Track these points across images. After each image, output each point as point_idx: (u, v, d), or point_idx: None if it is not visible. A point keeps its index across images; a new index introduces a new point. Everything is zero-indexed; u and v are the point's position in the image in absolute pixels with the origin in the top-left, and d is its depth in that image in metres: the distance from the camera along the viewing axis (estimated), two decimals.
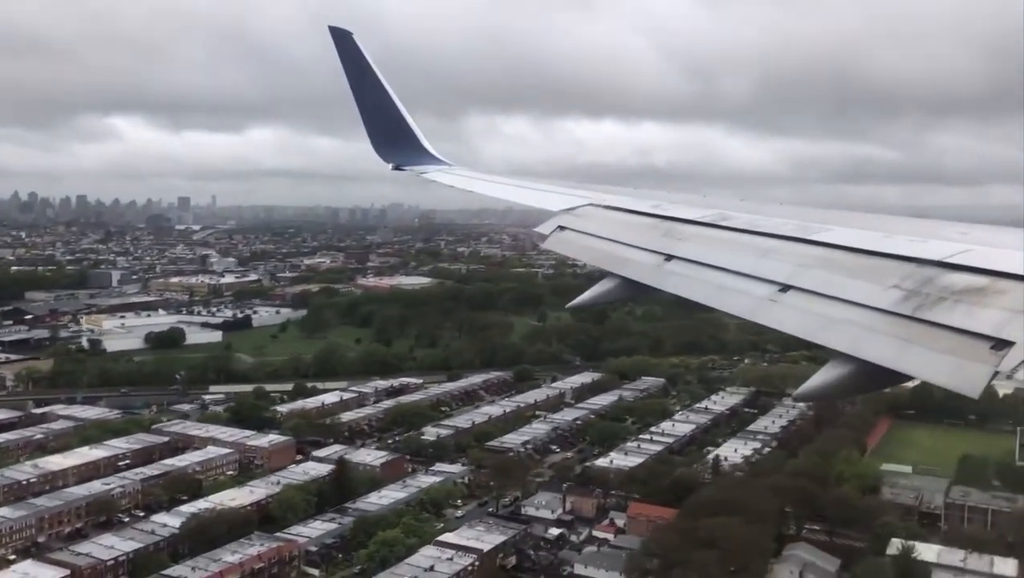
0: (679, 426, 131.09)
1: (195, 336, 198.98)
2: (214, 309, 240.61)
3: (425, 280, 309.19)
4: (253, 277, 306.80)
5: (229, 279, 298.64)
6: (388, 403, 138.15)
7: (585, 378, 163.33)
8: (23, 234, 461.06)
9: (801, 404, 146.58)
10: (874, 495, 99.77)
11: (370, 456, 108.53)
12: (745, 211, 9.93)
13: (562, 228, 11.92)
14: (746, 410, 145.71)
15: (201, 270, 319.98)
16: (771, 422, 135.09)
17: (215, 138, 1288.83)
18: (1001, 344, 4.88)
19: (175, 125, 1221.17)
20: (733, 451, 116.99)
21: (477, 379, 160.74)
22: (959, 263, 5.96)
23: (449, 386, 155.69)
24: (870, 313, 5.99)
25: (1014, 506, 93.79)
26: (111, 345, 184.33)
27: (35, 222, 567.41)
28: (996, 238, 6.75)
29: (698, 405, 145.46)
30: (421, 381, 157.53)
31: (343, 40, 19.70)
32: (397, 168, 20.52)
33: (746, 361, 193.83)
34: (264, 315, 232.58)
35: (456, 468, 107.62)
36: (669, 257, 8.97)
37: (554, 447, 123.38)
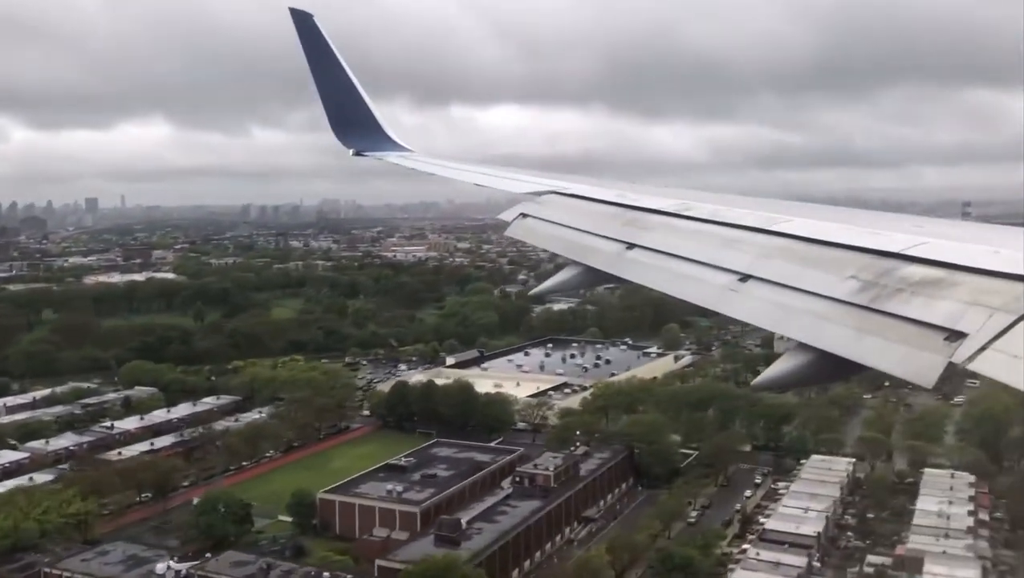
0: None
1: None
2: None
3: (169, 276, 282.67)
4: None
5: None
6: None
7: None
8: None
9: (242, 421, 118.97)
10: None
11: None
12: (708, 201, 9.45)
13: (524, 216, 11.57)
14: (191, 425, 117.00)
15: None
16: (150, 445, 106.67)
17: (131, 135, 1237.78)
18: (955, 335, 4.90)
19: (70, 122, 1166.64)
20: None
21: None
22: (916, 255, 6.00)
23: None
24: (828, 303, 6.00)
25: None
26: None
27: None
28: (950, 231, 6.77)
29: (104, 423, 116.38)
30: None
31: (304, 22, 18.47)
32: (358, 153, 19.52)
33: (346, 360, 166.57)
34: None
35: None
36: (631, 246, 8.82)
37: None
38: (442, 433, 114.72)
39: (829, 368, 5.72)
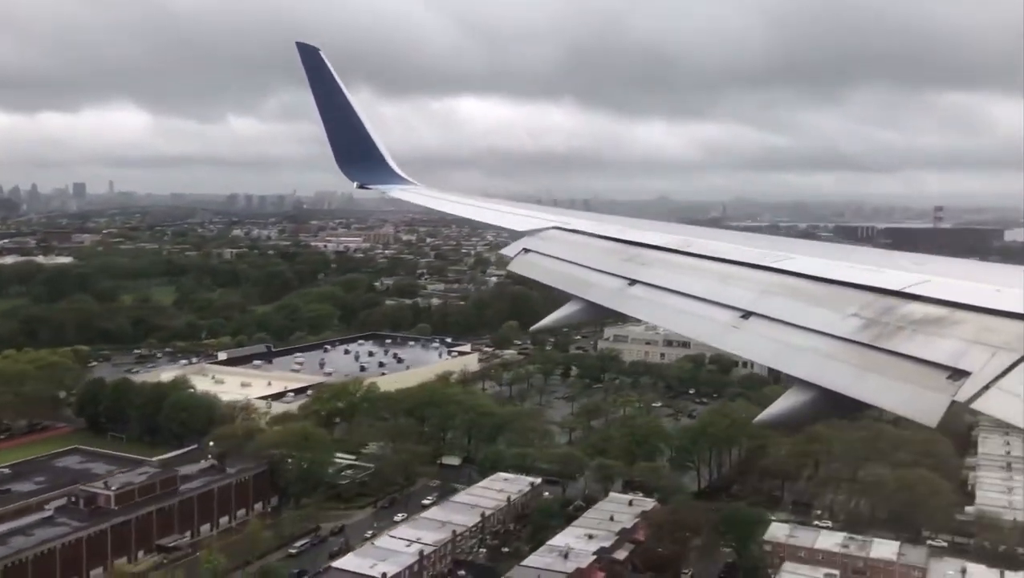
0: None
1: None
2: None
3: (64, 260, 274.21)
4: None
5: None
6: None
7: None
8: None
9: None
10: None
11: None
12: (709, 238, 9.60)
13: (527, 250, 11.59)
14: None
15: None
16: None
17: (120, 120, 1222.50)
18: (958, 374, 4.83)
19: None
20: None
21: None
22: (918, 293, 5.92)
23: None
24: (830, 341, 5.90)
25: None
26: None
27: None
28: (951, 269, 6.73)
29: None
30: None
31: (310, 56, 18.87)
32: (362, 186, 19.86)
33: (137, 350, 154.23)
34: None
35: None
36: (633, 282, 8.72)
37: None
38: (139, 436, 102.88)
39: (831, 406, 5.57)
